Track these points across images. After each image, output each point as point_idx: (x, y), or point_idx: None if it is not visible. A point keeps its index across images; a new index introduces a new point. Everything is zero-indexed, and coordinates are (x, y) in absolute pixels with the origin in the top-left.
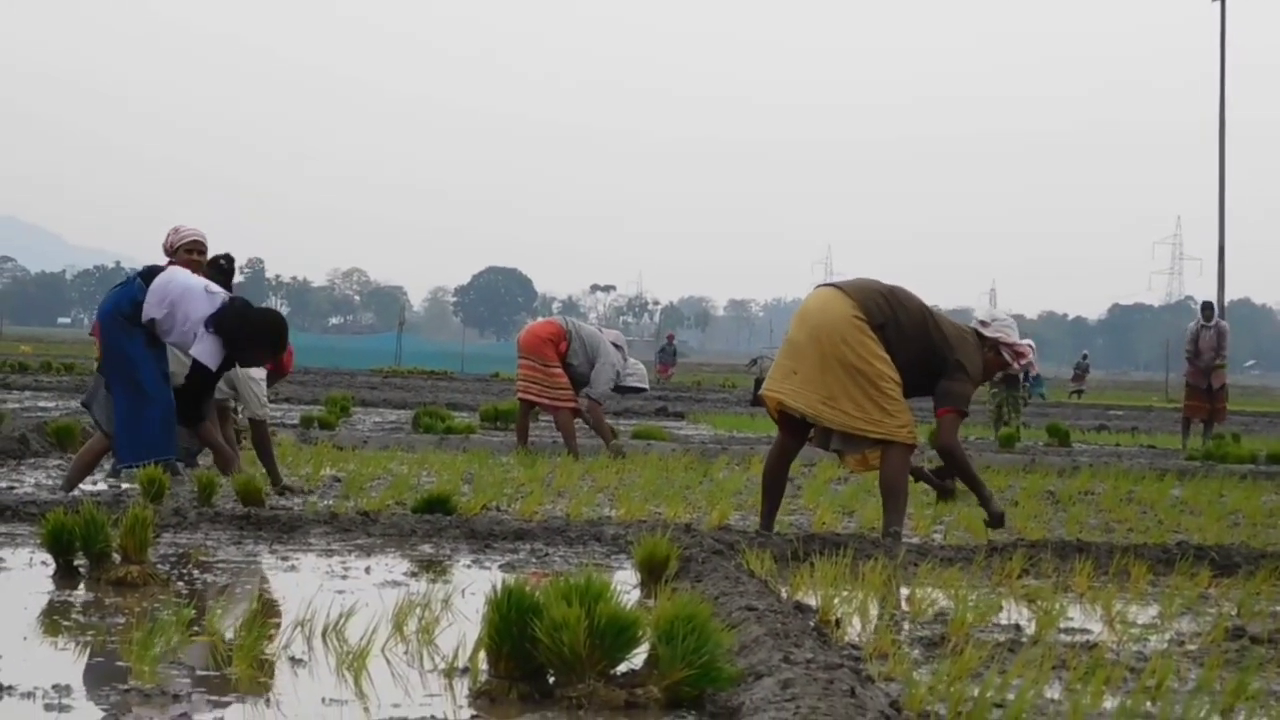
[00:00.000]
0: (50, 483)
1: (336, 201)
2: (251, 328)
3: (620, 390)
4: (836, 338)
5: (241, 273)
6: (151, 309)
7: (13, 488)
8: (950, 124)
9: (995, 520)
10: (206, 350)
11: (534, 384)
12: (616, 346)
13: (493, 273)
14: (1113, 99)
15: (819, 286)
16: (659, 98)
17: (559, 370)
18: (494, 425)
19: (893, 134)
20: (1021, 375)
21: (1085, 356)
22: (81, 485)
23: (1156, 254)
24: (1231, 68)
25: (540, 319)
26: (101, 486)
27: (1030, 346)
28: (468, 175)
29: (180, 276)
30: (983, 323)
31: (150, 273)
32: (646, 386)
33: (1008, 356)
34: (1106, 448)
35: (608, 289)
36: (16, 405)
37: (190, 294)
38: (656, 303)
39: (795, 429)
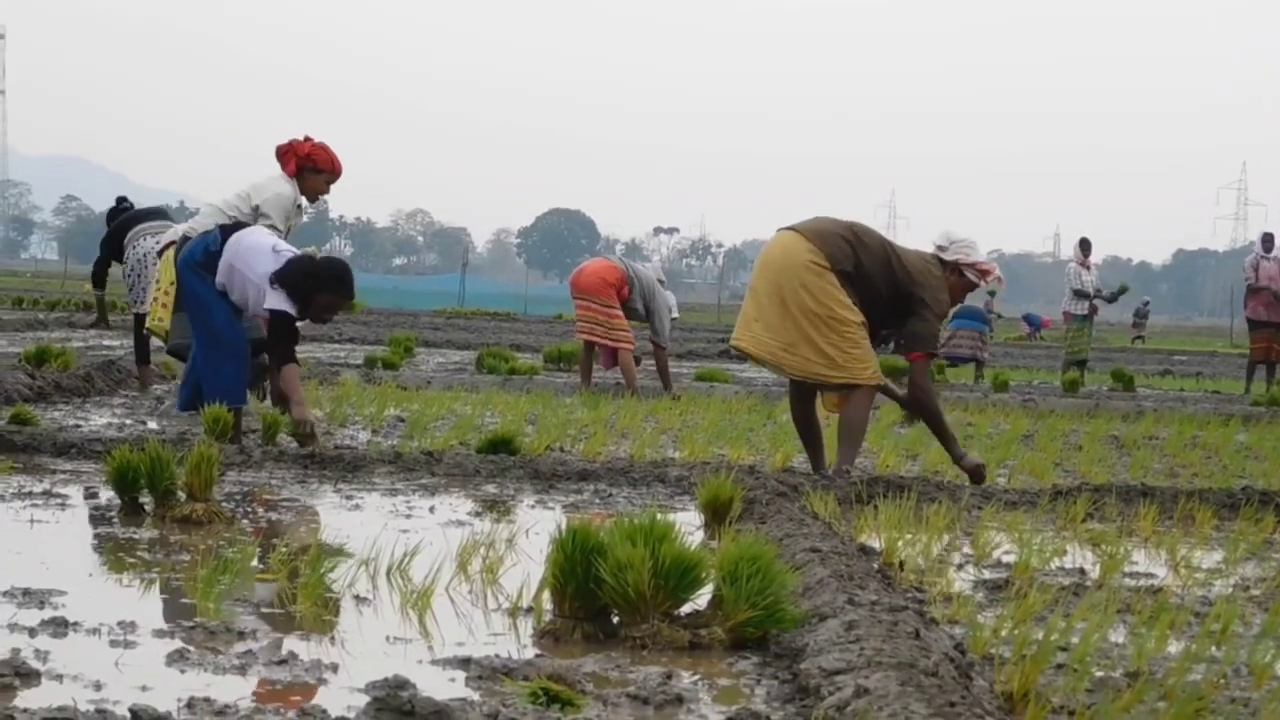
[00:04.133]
0: (116, 420)
1: (400, 141)
2: (315, 279)
3: None
4: (796, 283)
5: (305, 214)
6: (220, 269)
7: (78, 425)
8: (1014, 66)
9: (974, 476)
10: (278, 300)
11: (597, 325)
12: (659, 281)
13: (556, 214)
14: (1178, 44)
15: (780, 230)
16: (721, 35)
17: (619, 312)
18: (557, 366)
19: (954, 75)
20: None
21: (1146, 303)
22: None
23: (1221, 199)
24: None
25: (595, 259)
26: (153, 425)
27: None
28: (531, 115)
29: (250, 236)
30: (940, 247)
31: (232, 229)
32: (678, 315)
33: (972, 276)
34: (1170, 393)
35: (670, 231)
36: (81, 344)
37: (254, 253)
38: (720, 245)
39: None
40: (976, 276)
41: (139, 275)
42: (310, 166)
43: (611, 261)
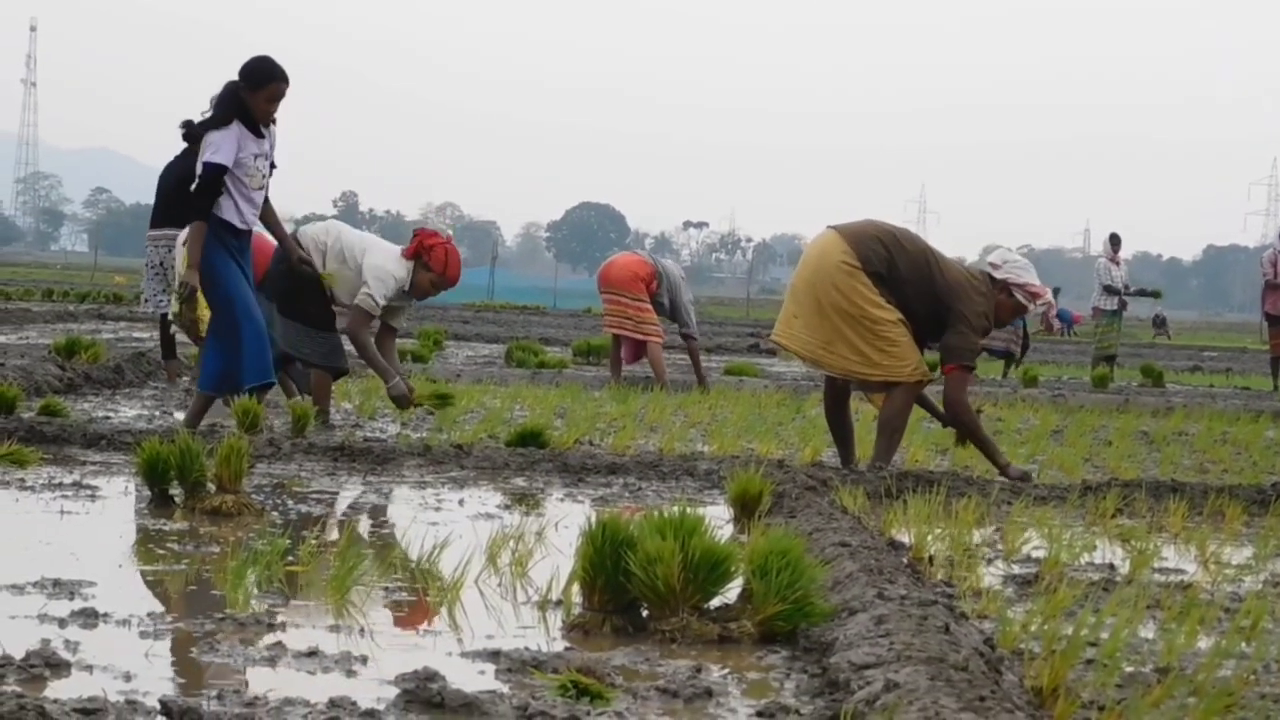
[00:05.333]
0: (145, 412)
1: (429, 135)
2: (239, 88)
3: None
4: (829, 284)
5: (335, 206)
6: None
7: (108, 417)
8: (1043, 61)
9: (1020, 480)
10: (209, 146)
11: (626, 319)
12: (681, 278)
13: (585, 208)
14: (1208, 39)
15: (828, 228)
16: (754, 28)
17: (648, 305)
18: (586, 360)
19: (984, 70)
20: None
21: (1160, 312)
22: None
23: (1252, 194)
24: None
25: (623, 253)
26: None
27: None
28: (561, 109)
29: None
30: (993, 264)
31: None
32: (694, 305)
33: (1021, 298)
34: (1200, 388)
35: (700, 225)
36: (111, 336)
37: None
38: (749, 240)
39: None
40: (1026, 299)
41: (148, 279)
42: (423, 260)
43: (640, 255)
